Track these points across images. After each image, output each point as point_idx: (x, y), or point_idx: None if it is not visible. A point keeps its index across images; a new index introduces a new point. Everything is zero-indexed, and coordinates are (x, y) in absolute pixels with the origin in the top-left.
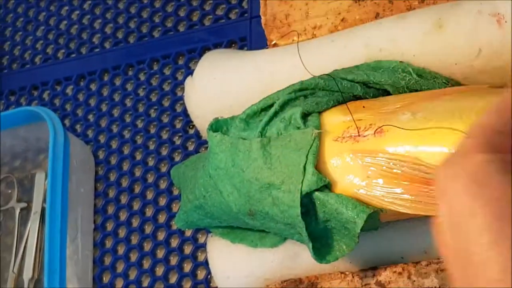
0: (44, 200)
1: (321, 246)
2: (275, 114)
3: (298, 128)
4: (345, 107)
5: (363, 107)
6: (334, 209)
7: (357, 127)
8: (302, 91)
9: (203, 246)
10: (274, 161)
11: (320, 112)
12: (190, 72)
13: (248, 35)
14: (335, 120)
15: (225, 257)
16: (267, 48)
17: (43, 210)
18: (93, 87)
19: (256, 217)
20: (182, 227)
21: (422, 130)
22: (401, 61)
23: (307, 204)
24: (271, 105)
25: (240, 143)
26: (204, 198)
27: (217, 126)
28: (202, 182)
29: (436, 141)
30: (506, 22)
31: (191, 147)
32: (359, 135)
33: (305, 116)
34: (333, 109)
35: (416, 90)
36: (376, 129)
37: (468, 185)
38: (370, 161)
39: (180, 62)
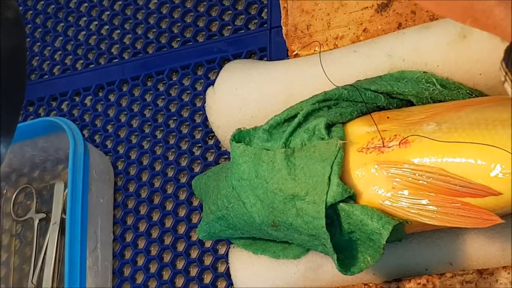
0: (63, 211)
1: (345, 257)
2: (299, 124)
3: (322, 139)
4: (369, 118)
5: (388, 117)
6: (359, 220)
7: (381, 138)
8: (325, 102)
9: (223, 257)
10: (299, 172)
11: (344, 123)
12: (209, 82)
13: (268, 46)
14: (359, 130)
15: (247, 268)
16: (288, 58)
17: (62, 220)
18: (112, 97)
19: (280, 228)
20: (204, 238)
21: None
22: (424, 72)
23: (332, 215)
24: (294, 116)
25: (263, 154)
26: (226, 209)
27: (240, 136)
28: (225, 193)
29: (462, 153)
30: None
31: (210, 158)
32: (383, 146)
33: (329, 126)
34: (357, 120)
35: (440, 101)
36: (401, 140)
37: None
38: (395, 172)
39: (199, 72)
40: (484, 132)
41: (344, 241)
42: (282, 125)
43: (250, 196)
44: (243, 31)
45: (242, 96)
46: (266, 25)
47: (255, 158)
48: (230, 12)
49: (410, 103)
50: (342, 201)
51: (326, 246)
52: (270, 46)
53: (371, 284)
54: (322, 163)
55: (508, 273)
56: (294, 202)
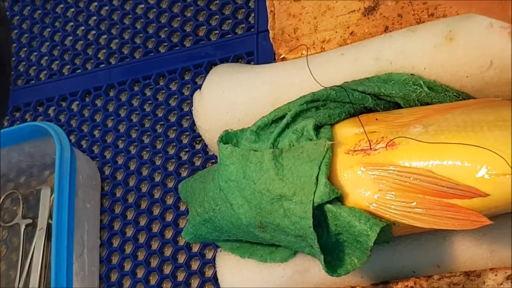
0: (49, 216)
1: (332, 259)
2: (287, 125)
3: (311, 139)
4: (357, 120)
5: (376, 119)
6: (347, 222)
7: (369, 140)
8: (313, 103)
9: (211, 262)
10: (286, 172)
11: (332, 124)
12: (196, 87)
13: (255, 50)
14: (347, 132)
15: (234, 272)
16: (275, 62)
17: (48, 226)
18: (98, 102)
19: (267, 230)
20: (190, 240)
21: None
22: (412, 74)
23: (319, 216)
24: (282, 117)
25: (251, 155)
26: (213, 211)
27: (227, 138)
28: (212, 195)
29: (448, 155)
30: None
31: (198, 163)
32: (370, 149)
33: (317, 128)
34: (345, 121)
35: (427, 103)
36: (388, 142)
37: None
38: (381, 174)
39: (187, 77)
40: (470, 134)
41: (331, 243)
42: (269, 126)
43: (237, 197)
44: (230, 35)
45: (229, 100)
46: (253, 30)
47: (243, 159)
48: (217, 16)
49: (397, 105)
50: (329, 202)
51: (313, 247)
52: (257, 51)
53: (358, 287)
54: (310, 163)
55: (496, 275)
56: (281, 203)
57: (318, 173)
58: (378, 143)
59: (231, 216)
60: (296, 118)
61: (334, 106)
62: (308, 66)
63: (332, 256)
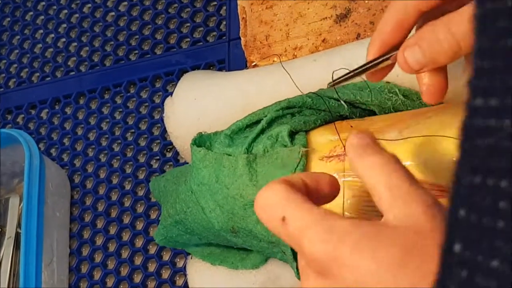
0: (18, 225)
1: None
2: (262, 131)
3: (285, 146)
4: (332, 127)
5: (351, 126)
6: None
7: (344, 146)
8: (289, 109)
9: (182, 271)
10: (260, 178)
11: (307, 131)
12: (167, 95)
13: (227, 58)
14: (322, 139)
15: (205, 279)
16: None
17: (17, 235)
18: (68, 110)
19: (239, 235)
20: (161, 242)
21: (407, 142)
22: (387, 82)
23: None
24: (256, 122)
25: (224, 159)
26: (184, 214)
27: (201, 141)
28: (184, 197)
29: (422, 152)
30: None
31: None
32: (344, 154)
33: (292, 134)
34: (320, 128)
35: (402, 111)
36: None
37: None
38: (354, 179)
39: (158, 85)
40: (440, 133)
41: None
42: (243, 130)
43: (209, 201)
44: (201, 43)
45: (200, 106)
46: (224, 37)
47: (216, 163)
48: (188, 24)
49: (372, 113)
50: None
51: (285, 254)
52: (229, 58)
53: None
54: (283, 169)
55: None
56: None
57: None
58: None
59: (202, 219)
60: (271, 124)
61: (309, 113)
62: (286, 71)
63: None
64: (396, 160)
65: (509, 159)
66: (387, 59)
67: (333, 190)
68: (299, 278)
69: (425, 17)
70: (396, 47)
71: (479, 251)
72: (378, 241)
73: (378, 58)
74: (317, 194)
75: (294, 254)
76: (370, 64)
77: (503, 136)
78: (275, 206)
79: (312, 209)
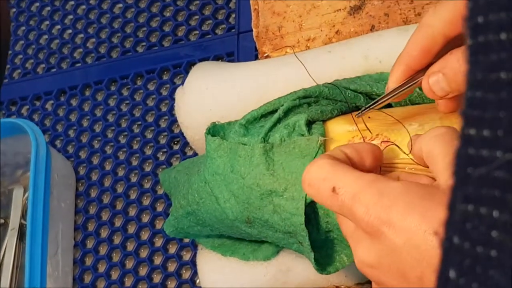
0: (22, 216)
1: (321, 257)
2: (279, 120)
3: (302, 135)
4: (349, 117)
5: (369, 117)
6: None
7: (362, 137)
8: (305, 99)
9: (188, 264)
10: (277, 167)
11: (324, 121)
12: (175, 87)
13: (236, 51)
14: (339, 129)
15: (216, 271)
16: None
17: (20, 226)
18: (74, 102)
19: (254, 225)
20: (171, 234)
21: None
22: None
23: (309, 213)
24: (272, 112)
25: (240, 149)
26: (197, 204)
27: (215, 131)
28: (196, 188)
29: None
30: None
31: (175, 163)
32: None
33: (309, 123)
34: (338, 118)
35: (418, 104)
36: (383, 139)
37: None
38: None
39: (165, 77)
40: None
41: (320, 240)
42: (258, 120)
43: (223, 191)
44: (210, 36)
45: (212, 96)
46: (233, 30)
47: (231, 153)
48: (197, 17)
49: (388, 105)
50: None
51: (302, 245)
52: (238, 51)
53: (342, 286)
54: (302, 159)
55: None
56: (271, 198)
57: None
58: (373, 140)
59: (216, 210)
60: (288, 113)
61: (326, 103)
62: (301, 61)
63: (321, 253)
64: (454, 131)
65: (501, 190)
66: (413, 84)
67: (376, 158)
68: (316, 269)
69: (452, 43)
70: (421, 72)
71: (474, 278)
72: (429, 202)
73: (404, 84)
74: (361, 164)
75: (312, 244)
76: (396, 92)
77: (495, 166)
78: (323, 179)
79: (361, 175)
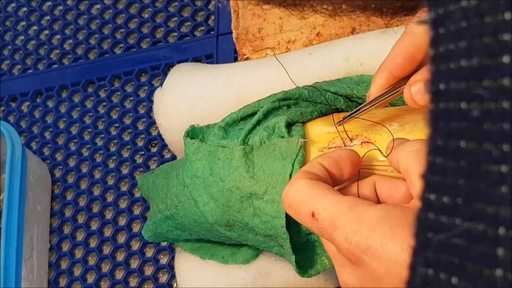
0: None
1: (302, 259)
2: (258, 122)
3: (282, 137)
4: (330, 118)
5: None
6: None
7: (342, 138)
8: (285, 101)
9: (165, 267)
10: (257, 170)
11: (303, 123)
12: (153, 89)
13: (215, 53)
14: (319, 130)
15: (194, 274)
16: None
17: None
18: (50, 103)
19: (234, 229)
20: (149, 238)
21: (409, 135)
22: None
23: (290, 216)
24: (251, 114)
25: (219, 151)
26: (176, 208)
27: (194, 133)
28: (175, 191)
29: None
30: None
31: (153, 166)
32: (345, 146)
33: (289, 125)
34: (317, 120)
35: (398, 105)
36: (363, 140)
37: None
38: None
39: (143, 79)
40: None
41: (301, 243)
42: (238, 123)
43: (203, 194)
44: (189, 37)
45: (191, 98)
46: (213, 32)
47: (210, 156)
48: (176, 18)
49: None
50: None
51: (283, 248)
52: (217, 53)
53: None
54: (282, 161)
55: None
56: (251, 201)
57: (292, 171)
58: (353, 140)
59: (195, 213)
60: (268, 115)
61: (305, 105)
62: (281, 63)
63: (302, 256)
64: None
65: (460, 257)
66: (396, 93)
67: (354, 164)
68: (298, 272)
69: None
70: (404, 79)
71: None
72: (408, 228)
73: (386, 92)
74: (340, 174)
75: (293, 247)
76: (378, 100)
77: (454, 234)
78: (302, 202)
79: (340, 199)
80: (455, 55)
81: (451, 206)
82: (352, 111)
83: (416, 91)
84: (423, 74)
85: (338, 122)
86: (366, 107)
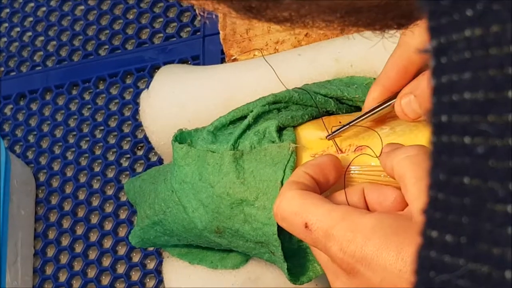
0: None
1: (293, 266)
2: (248, 126)
3: (273, 142)
4: (320, 122)
5: (340, 122)
6: None
7: (338, 148)
8: (275, 104)
9: (152, 273)
10: (248, 175)
11: (294, 127)
12: (139, 91)
13: (201, 54)
14: (311, 135)
15: (183, 280)
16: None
17: None
18: (34, 106)
19: (224, 235)
20: (137, 244)
21: (401, 137)
22: (374, 78)
23: None
24: (240, 118)
25: (209, 156)
26: (164, 214)
27: (182, 138)
28: (163, 197)
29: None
30: None
31: (139, 169)
32: (338, 153)
33: (280, 130)
34: (308, 124)
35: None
36: (356, 148)
37: None
38: (349, 174)
39: (128, 81)
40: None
41: (292, 250)
42: (227, 127)
43: (192, 200)
44: (175, 38)
45: (178, 100)
46: (199, 33)
47: (199, 161)
48: (161, 19)
49: (359, 109)
50: None
51: (274, 254)
52: (204, 55)
53: None
54: (273, 167)
55: None
56: (242, 208)
57: (283, 177)
58: (346, 151)
59: (184, 219)
60: (258, 120)
61: (296, 108)
62: (270, 65)
63: (293, 263)
64: (426, 152)
65: None
66: (387, 107)
67: (338, 169)
68: (290, 280)
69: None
70: (397, 94)
71: None
72: (402, 237)
73: (377, 107)
74: (326, 181)
75: (285, 254)
76: (368, 114)
77: (457, 275)
78: (295, 214)
79: (333, 208)
80: (458, 87)
81: (454, 245)
82: (344, 125)
83: (406, 103)
84: (412, 86)
85: (330, 135)
86: (358, 120)
